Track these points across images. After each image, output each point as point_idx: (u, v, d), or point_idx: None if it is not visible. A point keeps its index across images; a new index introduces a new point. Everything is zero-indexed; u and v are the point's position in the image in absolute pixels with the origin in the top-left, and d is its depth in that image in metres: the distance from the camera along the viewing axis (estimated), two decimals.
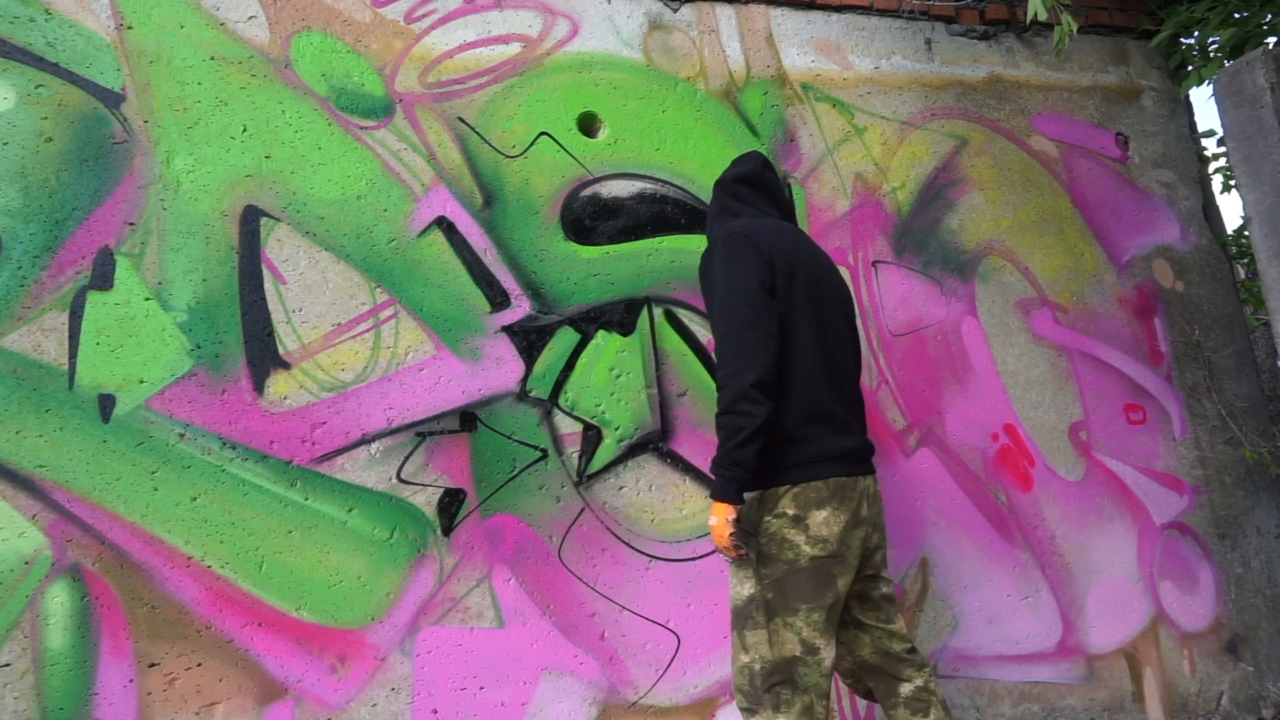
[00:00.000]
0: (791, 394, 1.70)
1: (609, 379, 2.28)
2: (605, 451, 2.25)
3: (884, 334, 2.58)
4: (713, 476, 1.64)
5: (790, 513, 1.66)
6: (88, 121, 1.98)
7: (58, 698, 1.76)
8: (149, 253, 1.97)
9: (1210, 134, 3.27)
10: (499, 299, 2.23)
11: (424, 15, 2.32)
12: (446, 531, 2.08)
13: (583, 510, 2.20)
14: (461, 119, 2.29)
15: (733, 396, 1.61)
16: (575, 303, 2.30)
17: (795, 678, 1.64)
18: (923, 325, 2.64)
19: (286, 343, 2.04)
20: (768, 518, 1.67)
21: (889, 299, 2.61)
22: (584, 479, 2.22)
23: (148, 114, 2.03)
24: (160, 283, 1.97)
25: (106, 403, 1.88)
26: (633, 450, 2.27)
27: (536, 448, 2.19)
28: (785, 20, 2.71)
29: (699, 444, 2.34)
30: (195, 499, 1.91)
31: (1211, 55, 3.05)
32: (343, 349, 2.08)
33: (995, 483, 2.61)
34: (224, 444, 1.95)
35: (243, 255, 2.04)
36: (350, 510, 2.02)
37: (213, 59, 2.11)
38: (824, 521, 1.66)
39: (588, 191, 2.37)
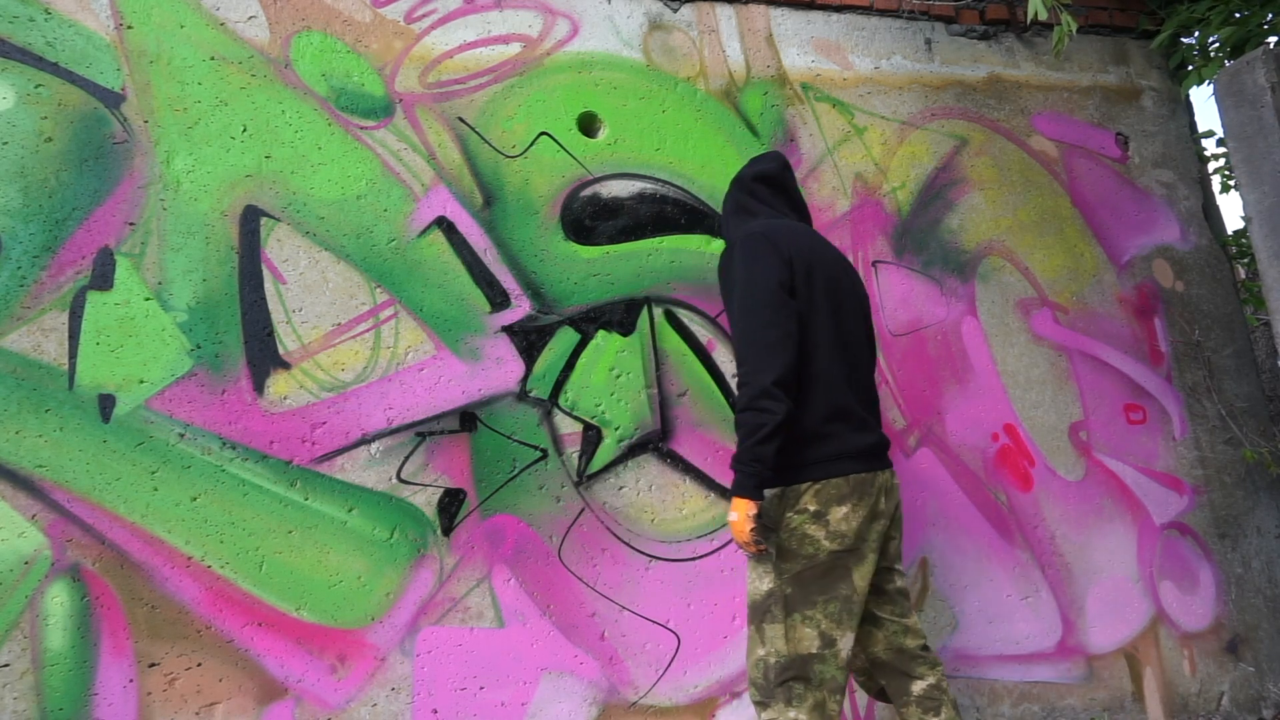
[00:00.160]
0: (812, 393, 1.72)
1: (609, 379, 2.28)
2: (605, 451, 2.25)
3: (884, 334, 2.58)
4: (732, 473, 1.66)
5: (812, 509, 1.69)
6: (88, 121, 1.98)
7: (57, 698, 1.76)
8: (149, 253, 1.97)
9: (1209, 134, 3.27)
10: (499, 299, 2.23)
11: (424, 15, 2.32)
12: (446, 531, 2.08)
13: (583, 510, 2.20)
14: (461, 119, 2.29)
15: (753, 394, 1.63)
16: (575, 303, 2.30)
17: (809, 674, 1.65)
18: (923, 325, 2.64)
19: (286, 343, 2.04)
20: (789, 513, 1.70)
21: (889, 299, 2.61)
22: (584, 479, 2.22)
23: (148, 114, 2.03)
24: (160, 283, 1.97)
25: (106, 403, 1.88)
26: (633, 450, 2.27)
27: (536, 448, 2.19)
28: (785, 20, 2.71)
29: (699, 444, 2.34)
30: (195, 499, 1.91)
31: (1212, 55, 3.05)
32: (343, 349, 2.08)
33: (995, 483, 2.61)
34: (224, 444, 1.95)
35: (243, 255, 2.04)
36: (350, 510, 2.02)
37: (213, 59, 2.10)
38: (844, 517, 1.69)
39: (588, 191, 2.37)
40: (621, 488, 2.25)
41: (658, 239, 2.41)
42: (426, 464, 2.10)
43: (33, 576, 1.78)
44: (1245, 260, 3.50)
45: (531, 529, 2.15)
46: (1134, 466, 2.77)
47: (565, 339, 2.27)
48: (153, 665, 1.83)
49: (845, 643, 1.68)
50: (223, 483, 1.93)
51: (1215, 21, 2.86)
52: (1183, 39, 3.16)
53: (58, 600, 1.79)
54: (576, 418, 2.24)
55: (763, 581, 1.72)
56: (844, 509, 1.70)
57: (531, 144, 2.34)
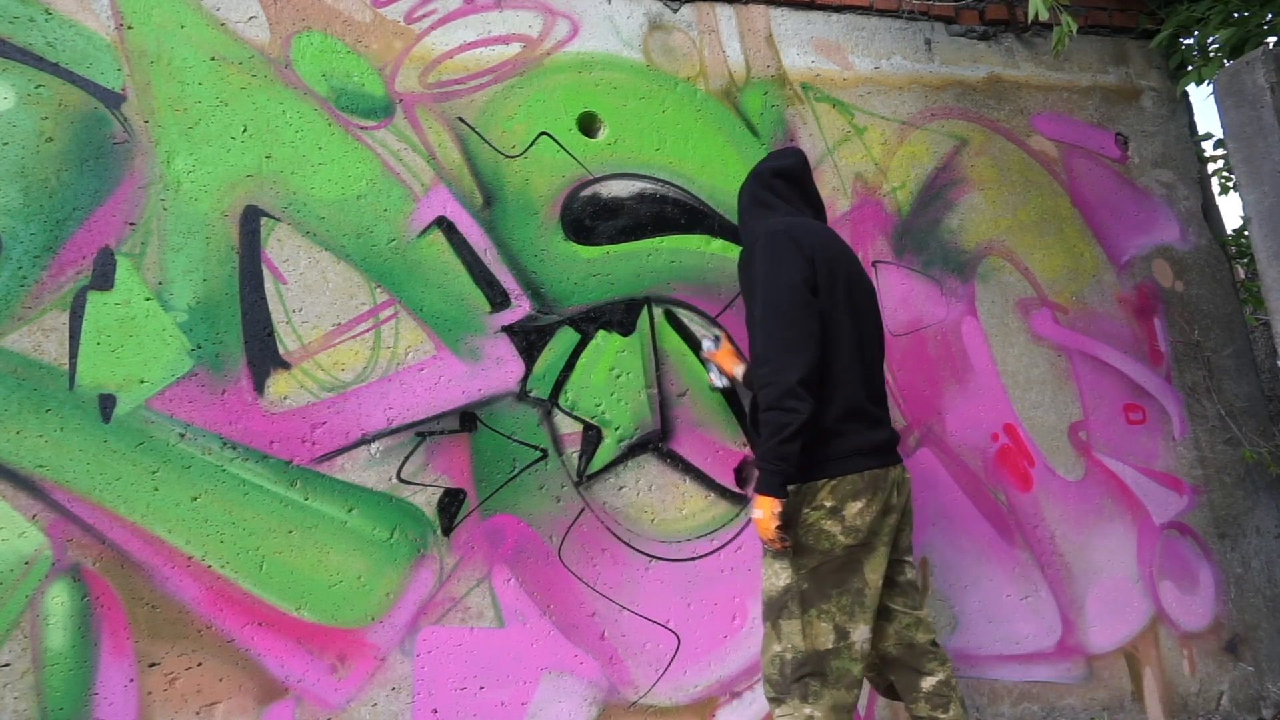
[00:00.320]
0: (830, 390, 1.74)
1: (609, 379, 2.28)
2: (605, 451, 2.25)
3: (884, 334, 2.58)
4: (756, 471, 1.67)
5: (828, 505, 1.71)
6: (88, 121, 1.98)
7: (58, 698, 1.76)
8: (149, 253, 1.97)
9: (1208, 137, 3.27)
10: (499, 299, 2.23)
11: (424, 15, 2.32)
12: (446, 531, 2.08)
13: (583, 510, 2.21)
14: (461, 119, 2.29)
15: (778, 393, 1.64)
16: (575, 303, 2.30)
17: (826, 670, 1.66)
18: (923, 325, 2.64)
19: (287, 343, 2.04)
20: (806, 510, 1.72)
21: (889, 299, 2.61)
22: (584, 479, 2.22)
23: (148, 114, 2.03)
24: (160, 283, 1.97)
25: (107, 403, 1.88)
26: (633, 450, 2.27)
27: (536, 448, 2.20)
28: (785, 20, 2.72)
29: (699, 444, 2.34)
30: (195, 499, 1.91)
31: (1211, 55, 3.05)
32: (343, 349, 2.09)
33: (995, 483, 2.61)
34: (224, 444, 1.95)
35: (243, 255, 2.04)
36: (350, 510, 2.02)
37: (213, 59, 2.11)
38: (859, 512, 1.71)
39: (588, 191, 2.37)
40: (621, 488, 2.25)
41: (658, 239, 2.41)
42: (426, 464, 2.10)
43: (33, 576, 1.78)
44: (1245, 260, 3.51)
45: (531, 529, 2.15)
46: (1134, 466, 2.77)
47: (565, 339, 2.27)
48: (153, 665, 1.83)
49: (859, 635, 1.70)
50: (223, 483, 1.93)
51: (1214, 21, 2.86)
52: (1182, 39, 3.16)
53: (58, 600, 1.79)
54: (576, 418, 2.24)
55: (779, 578, 1.73)
56: (859, 504, 1.71)
57: (531, 144, 2.34)
